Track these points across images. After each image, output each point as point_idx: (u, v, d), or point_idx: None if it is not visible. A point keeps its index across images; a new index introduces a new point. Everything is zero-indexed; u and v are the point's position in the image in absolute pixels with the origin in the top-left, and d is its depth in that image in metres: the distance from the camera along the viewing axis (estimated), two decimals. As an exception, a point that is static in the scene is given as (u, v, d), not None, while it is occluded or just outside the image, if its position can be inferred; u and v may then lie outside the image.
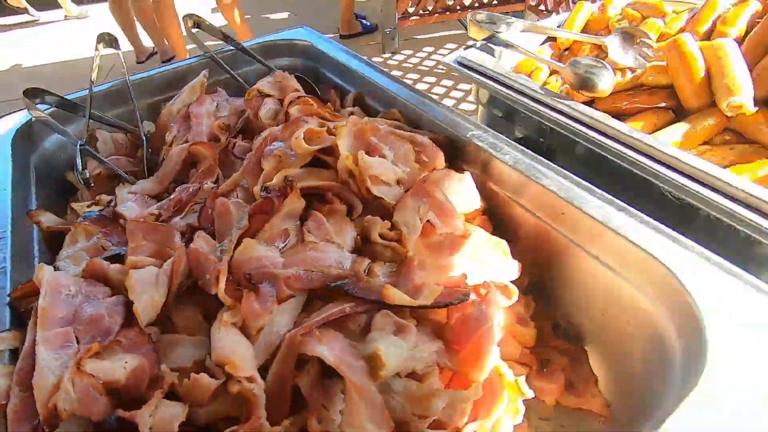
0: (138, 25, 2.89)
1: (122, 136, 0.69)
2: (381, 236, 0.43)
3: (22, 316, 0.39)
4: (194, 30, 0.78)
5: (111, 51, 0.77)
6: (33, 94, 0.62)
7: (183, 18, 0.82)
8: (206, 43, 0.77)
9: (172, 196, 0.52)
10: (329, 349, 0.34)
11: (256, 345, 0.34)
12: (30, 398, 0.29)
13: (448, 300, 0.38)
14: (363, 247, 0.45)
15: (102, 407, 0.28)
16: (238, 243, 0.40)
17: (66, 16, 4.27)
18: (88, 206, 0.52)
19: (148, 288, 0.36)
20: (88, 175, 0.57)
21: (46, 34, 3.89)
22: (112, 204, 0.53)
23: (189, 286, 0.40)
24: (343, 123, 0.49)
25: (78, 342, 0.33)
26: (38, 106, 0.61)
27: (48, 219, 0.53)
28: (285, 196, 0.45)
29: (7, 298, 0.38)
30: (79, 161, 0.55)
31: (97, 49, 0.74)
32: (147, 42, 2.97)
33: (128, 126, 0.67)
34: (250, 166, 0.51)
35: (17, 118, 0.62)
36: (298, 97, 0.61)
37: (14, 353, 0.36)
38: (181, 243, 0.41)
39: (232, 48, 0.77)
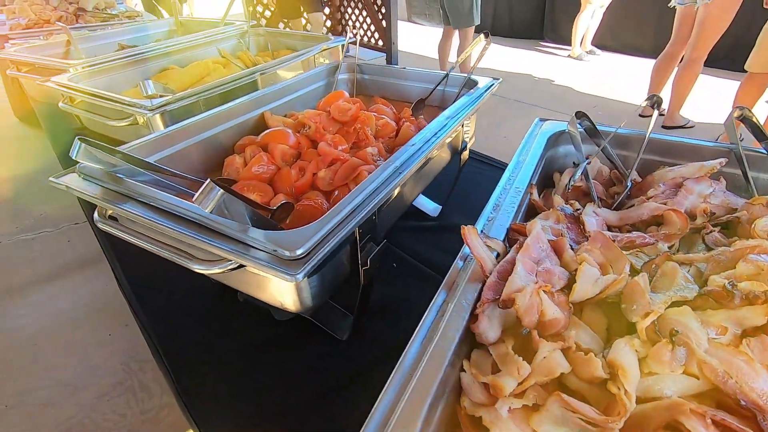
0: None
1: (607, 170, 0.84)
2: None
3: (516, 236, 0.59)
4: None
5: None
6: (578, 115, 0.85)
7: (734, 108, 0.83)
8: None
9: (626, 234, 0.60)
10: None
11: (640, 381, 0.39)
12: (499, 284, 0.47)
13: None
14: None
15: (534, 319, 0.43)
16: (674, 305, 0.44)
17: (569, 55, 5.10)
18: (565, 203, 0.70)
19: (588, 282, 0.47)
20: (572, 183, 0.75)
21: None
22: (579, 212, 0.68)
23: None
24: None
25: (536, 276, 0.48)
26: (578, 123, 0.83)
27: (534, 195, 0.75)
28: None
29: (508, 227, 0.59)
30: (578, 173, 0.73)
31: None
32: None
33: (621, 167, 0.80)
34: (721, 258, 0.51)
35: (558, 126, 0.87)
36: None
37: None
38: (627, 272, 0.50)
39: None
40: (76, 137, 0.68)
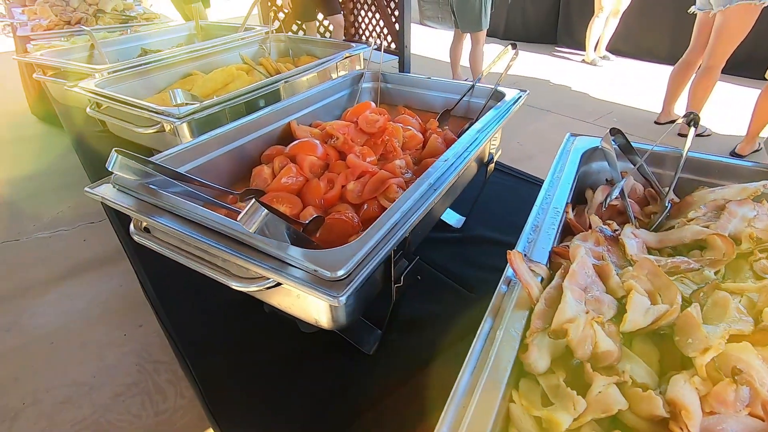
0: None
1: (641, 187, 0.83)
2: None
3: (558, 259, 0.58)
4: None
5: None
6: (613, 132, 0.83)
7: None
8: None
9: (669, 259, 0.59)
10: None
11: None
12: (548, 312, 0.47)
13: None
14: None
15: (588, 352, 0.42)
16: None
17: (584, 60, 5.08)
18: (603, 224, 0.69)
19: (638, 313, 0.47)
20: (609, 201, 0.74)
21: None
22: (617, 232, 0.67)
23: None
24: None
25: (585, 304, 0.47)
26: (612, 140, 0.82)
27: (570, 214, 0.74)
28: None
29: (550, 250, 0.58)
30: (616, 192, 0.72)
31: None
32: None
33: (658, 186, 0.79)
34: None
35: (591, 142, 0.86)
36: None
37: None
38: (680, 302, 0.49)
39: None
40: (113, 149, 0.69)
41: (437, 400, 0.77)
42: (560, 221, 0.61)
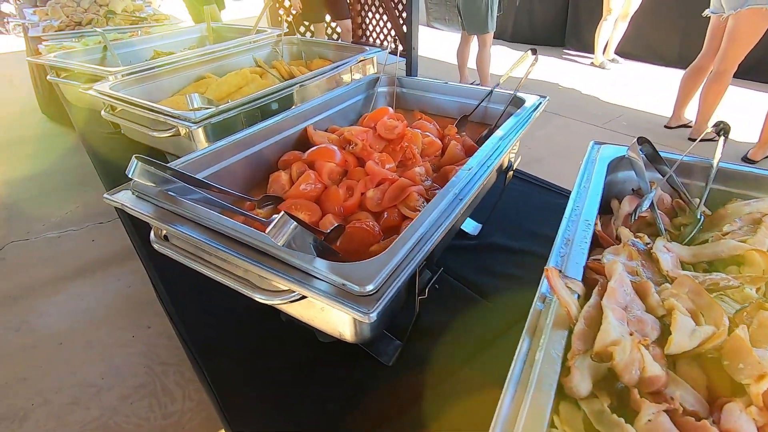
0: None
1: (668, 198, 0.81)
2: None
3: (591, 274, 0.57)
4: None
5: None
6: (641, 141, 0.82)
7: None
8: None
9: (707, 275, 0.57)
10: None
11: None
12: (588, 332, 0.45)
13: None
14: None
15: (635, 377, 0.40)
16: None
17: (592, 63, 5.05)
18: (634, 237, 0.67)
19: (684, 334, 0.45)
20: (639, 213, 0.72)
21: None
22: (649, 246, 0.65)
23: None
24: None
25: (627, 325, 0.46)
26: (640, 148, 0.80)
27: (598, 226, 0.72)
28: None
29: (583, 265, 0.56)
30: (646, 204, 0.70)
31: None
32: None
33: (688, 197, 0.77)
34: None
35: (617, 151, 0.84)
36: None
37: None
38: (726, 324, 0.47)
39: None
40: (134, 156, 0.68)
41: (460, 415, 0.76)
42: (592, 234, 0.59)
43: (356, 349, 0.85)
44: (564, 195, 1.30)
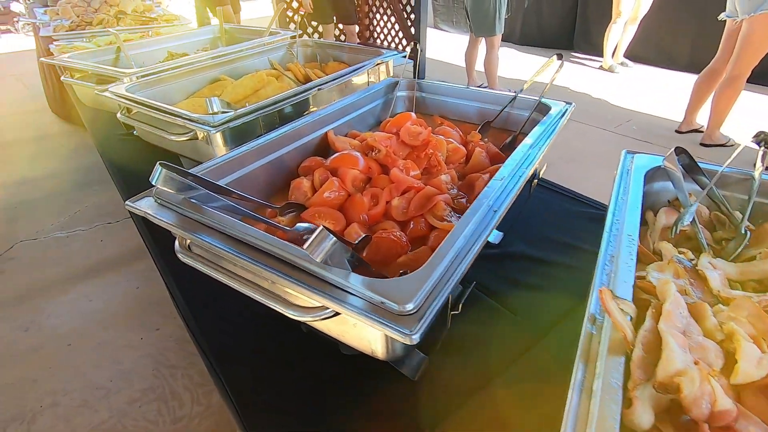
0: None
1: (706, 210, 0.78)
2: None
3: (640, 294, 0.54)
4: None
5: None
6: (678, 151, 0.79)
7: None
8: None
9: (761, 296, 0.55)
10: None
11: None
12: (647, 359, 0.42)
13: None
14: None
15: (706, 411, 0.38)
16: None
17: (601, 66, 5.02)
18: (678, 252, 0.64)
19: (750, 363, 0.42)
20: (680, 227, 0.70)
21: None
22: (694, 262, 0.62)
23: None
24: None
25: (689, 351, 0.43)
26: (677, 159, 0.78)
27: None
28: None
29: (632, 284, 0.54)
30: (688, 218, 0.68)
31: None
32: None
33: (729, 210, 0.74)
34: None
35: (652, 161, 0.82)
36: None
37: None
38: None
39: None
40: (158, 162, 0.66)
41: (488, 432, 0.74)
42: (636, 251, 0.57)
43: (379, 361, 0.82)
44: (582, 202, 1.27)
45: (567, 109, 1.02)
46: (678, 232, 0.67)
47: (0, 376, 1.85)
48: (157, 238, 1.14)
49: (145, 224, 1.24)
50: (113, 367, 1.92)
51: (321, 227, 0.46)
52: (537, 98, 1.09)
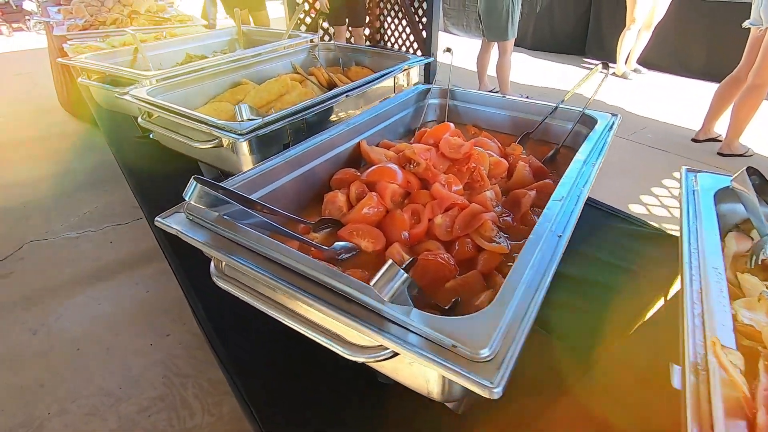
0: None
1: None
2: None
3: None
4: None
5: None
6: (750, 171, 0.73)
7: None
8: None
9: None
10: None
11: None
12: (772, 422, 0.37)
13: None
14: None
15: None
16: None
17: (614, 72, 4.95)
18: (765, 287, 0.58)
19: None
20: (761, 257, 0.64)
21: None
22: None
23: None
24: None
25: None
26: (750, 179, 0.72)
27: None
28: None
29: (732, 328, 0.48)
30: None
31: None
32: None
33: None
34: None
35: (720, 181, 0.76)
36: None
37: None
38: None
39: None
40: (193, 177, 0.61)
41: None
42: (726, 287, 0.51)
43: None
44: (615, 215, 1.20)
45: (614, 122, 0.97)
46: (759, 262, 0.61)
47: (8, 379, 1.81)
48: (176, 250, 1.09)
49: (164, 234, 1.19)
50: (123, 374, 1.87)
51: (390, 262, 0.41)
52: (580, 109, 1.03)
